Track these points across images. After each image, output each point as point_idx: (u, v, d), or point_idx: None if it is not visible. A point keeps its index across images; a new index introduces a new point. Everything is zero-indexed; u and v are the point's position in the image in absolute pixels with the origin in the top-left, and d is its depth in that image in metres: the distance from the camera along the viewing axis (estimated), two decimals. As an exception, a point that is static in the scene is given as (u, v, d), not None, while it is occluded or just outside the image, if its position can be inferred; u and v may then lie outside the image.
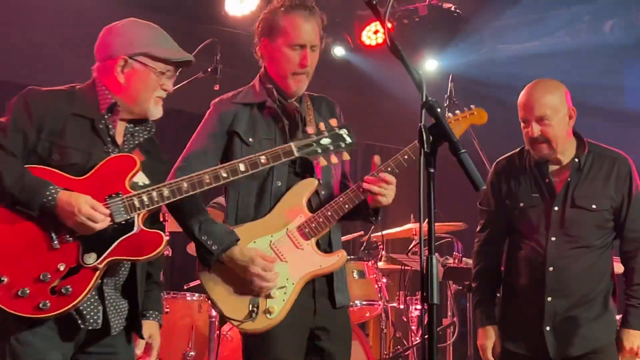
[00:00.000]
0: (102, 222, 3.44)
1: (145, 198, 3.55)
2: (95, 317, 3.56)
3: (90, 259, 3.47)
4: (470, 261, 6.92)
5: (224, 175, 3.68)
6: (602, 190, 4.52)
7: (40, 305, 3.41)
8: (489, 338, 4.67)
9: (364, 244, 7.34)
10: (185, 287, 7.08)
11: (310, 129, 3.85)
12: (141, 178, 3.63)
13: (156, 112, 3.73)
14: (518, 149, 4.71)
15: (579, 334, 4.45)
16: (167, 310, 6.61)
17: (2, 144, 3.47)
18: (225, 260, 3.92)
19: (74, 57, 6.40)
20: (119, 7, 7.52)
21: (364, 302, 6.85)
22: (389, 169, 4.01)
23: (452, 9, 8.60)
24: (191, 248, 6.82)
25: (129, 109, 3.70)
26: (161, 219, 6.21)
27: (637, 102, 9.42)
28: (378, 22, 8.31)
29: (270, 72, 4.14)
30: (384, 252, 7.35)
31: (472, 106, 4.40)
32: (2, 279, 3.40)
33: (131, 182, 3.58)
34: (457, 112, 4.39)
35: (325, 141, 3.84)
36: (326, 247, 4.10)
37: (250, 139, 4.05)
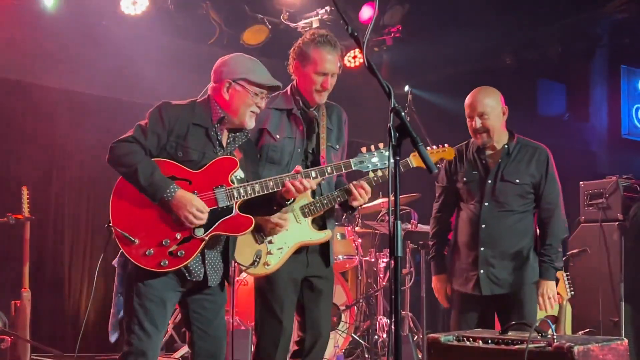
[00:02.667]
0: (199, 221, 3.60)
1: (242, 190, 3.69)
2: (199, 273, 3.70)
3: (200, 232, 3.63)
4: (423, 227, 6.96)
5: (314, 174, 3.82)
6: (525, 169, 4.56)
7: (161, 263, 3.59)
8: (441, 283, 4.73)
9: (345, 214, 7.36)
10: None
11: (364, 149, 3.91)
12: (238, 172, 3.75)
13: (250, 123, 3.81)
14: (465, 142, 4.74)
15: (502, 278, 4.49)
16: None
17: (143, 145, 3.63)
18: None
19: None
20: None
21: (345, 257, 6.87)
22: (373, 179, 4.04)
23: (411, 40, 8.60)
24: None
25: (231, 121, 3.79)
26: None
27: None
28: (356, 50, 8.43)
29: (300, 87, 4.14)
30: (359, 220, 7.36)
31: (446, 144, 4.39)
32: (135, 240, 3.58)
33: (231, 176, 3.71)
34: (434, 147, 4.38)
35: (374, 159, 3.90)
36: (320, 224, 4.14)
37: (277, 136, 4.08)
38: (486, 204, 4.54)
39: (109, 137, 3.78)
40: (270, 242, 4.02)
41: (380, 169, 3.92)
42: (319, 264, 4.16)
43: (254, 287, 4.19)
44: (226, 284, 3.90)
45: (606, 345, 3.25)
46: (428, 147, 4.36)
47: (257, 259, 3.99)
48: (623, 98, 9.45)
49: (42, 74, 7.53)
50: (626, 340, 3.34)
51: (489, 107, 4.52)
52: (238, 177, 3.75)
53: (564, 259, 6.03)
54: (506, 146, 4.60)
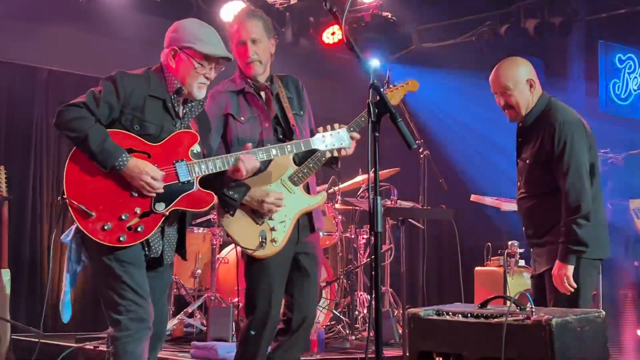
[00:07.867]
0: (154, 191, 3.48)
1: (203, 165, 3.60)
2: (157, 249, 3.60)
3: (160, 207, 3.51)
4: (403, 202, 6.97)
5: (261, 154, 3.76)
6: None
7: (120, 238, 3.44)
8: None
9: (326, 191, 7.36)
10: (193, 224, 7.08)
11: (320, 129, 3.91)
12: (196, 146, 3.65)
13: (199, 94, 3.67)
14: None
15: (536, 258, 4.24)
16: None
17: (94, 112, 3.45)
18: (246, 202, 3.95)
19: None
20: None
21: (325, 233, 6.91)
22: (352, 129, 4.03)
23: (389, 16, 8.59)
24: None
25: (186, 90, 3.67)
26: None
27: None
28: (334, 26, 8.38)
29: (238, 65, 4.15)
30: (339, 197, 7.37)
31: (406, 79, 4.38)
32: (92, 213, 3.42)
33: (191, 151, 3.61)
34: (396, 83, 4.39)
35: (331, 139, 3.87)
36: (307, 190, 4.13)
37: (242, 117, 4.06)
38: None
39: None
40: (270, 219, 4.01)
41: (341, 147, 3.91)
42: (306, 239, 4.15)
43: (245, 267, 4.15)
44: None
45: (584, 318, 3.29)
46: (392, 85, 4.41)
47: (264, 240, 3.96)
48: (601, 73, 9.46)
49: (19, 53, 7.45)
50: (604, 312, 3.37)
51: (511, 81, 4.15)
52: (195, 151, 3.64)
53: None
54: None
